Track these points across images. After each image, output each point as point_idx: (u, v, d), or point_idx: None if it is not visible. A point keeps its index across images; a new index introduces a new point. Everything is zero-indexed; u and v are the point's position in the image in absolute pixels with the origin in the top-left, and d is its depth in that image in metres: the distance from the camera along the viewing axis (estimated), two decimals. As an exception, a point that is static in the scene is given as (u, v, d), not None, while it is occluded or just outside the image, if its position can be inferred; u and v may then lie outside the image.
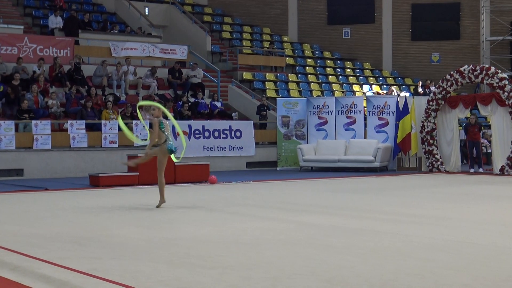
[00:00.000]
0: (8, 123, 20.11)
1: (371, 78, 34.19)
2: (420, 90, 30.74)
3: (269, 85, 30.25)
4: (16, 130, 20.43)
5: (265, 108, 26.07)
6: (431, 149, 22.77)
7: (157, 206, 12.84)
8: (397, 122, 23.23)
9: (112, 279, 6.56)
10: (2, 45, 23.74)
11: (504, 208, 12.66)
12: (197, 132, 23.19)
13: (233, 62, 31.25)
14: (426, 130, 22.82)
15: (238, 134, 24.02)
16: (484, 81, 21.87)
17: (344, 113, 24.28)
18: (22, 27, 26.52)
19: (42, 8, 29.76)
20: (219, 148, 23.64)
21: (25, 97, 21.46)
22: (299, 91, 30.66)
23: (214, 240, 8.89)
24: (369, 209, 12.29)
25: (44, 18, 28.30)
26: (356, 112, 24.16)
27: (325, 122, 24.36)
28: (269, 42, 34.53)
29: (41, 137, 20.40)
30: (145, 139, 13.03)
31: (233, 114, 25.56)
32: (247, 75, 30.27)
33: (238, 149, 24.03)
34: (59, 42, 25.01)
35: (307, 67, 33.52)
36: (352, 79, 33.62)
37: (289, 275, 6.74)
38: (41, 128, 20.43)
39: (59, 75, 23.72)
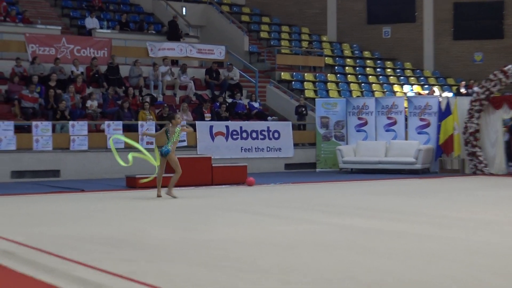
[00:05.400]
0: (45, 124, 20.28)
1: (412, 78, 33.90)
2: (462, 90, 30.41)
3: (307, 85, 30.15)
4: (53, 131, 20.59)
5: (303, 108, 25.93)
6: (474, 150, 22.48)
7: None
8: (439, 123, 22.98)
9: (149, 282, 6.53)
10: (40, 46, 23.98)
11: (551, 211, 12.43)
12: (234, 133, 23.17)
13: (271, 62, 31.21)
14: (469, 131, 22.52)
15: (276, 135, 23.95)
16: (529, 80, 21.54)
17: (384, 113, 24.08)
18: (60, 27, 26.77)
19: (79, 9, 30.02)
20: (257, 150, 23.59)
21: (62, 97, 21.63)
22: (338, 92, 30.51)
23: (252, 242, 8.83)
24: (411, 212, 12.14)
25: (82, 19, 28.55)
26: (397, 112, 23.95)
27: (365, 123, 24.19)
28: (307, 42, 34.40)
29: (78, 138, 20.55)
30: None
31: (270, 117, 25.39)
32: (285, 75, 30.21)
33: (276, 150, 23.97)
34: (97, 43, 25.20)
35: (347, 67, 33.35)
36: (392, 79, 33.37)
37: (328, 279, 6.65)
38: (78, 129, 20.58)
39: (96, 75, 23.89)
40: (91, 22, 27.36)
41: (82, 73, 23.69)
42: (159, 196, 14.98)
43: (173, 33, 27.70)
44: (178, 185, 17.53)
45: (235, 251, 8.19)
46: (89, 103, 22.17)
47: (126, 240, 9.06)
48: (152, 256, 7.92)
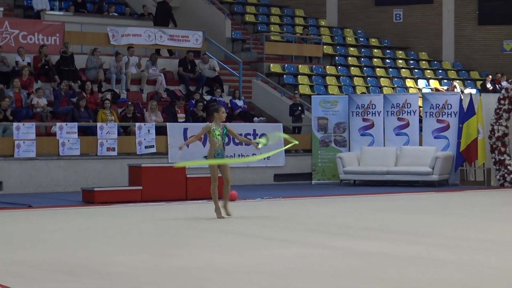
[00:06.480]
0: (-17, 126, 20.25)
1: (428, 71, 34.06)
2: (488, 85, 30.61)
3: (302, 79, 30.22)
4: (-6, 134, 20.58)
5: (299, 108, 25.85)
6: (502, 158, 22.63)
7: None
8: (460, 126, 23.09)
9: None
10: (-24, 31, 23.97)
11: None
12: (214, 137, 23.16)
13: (258, 51, 31.25)
14: (496, 135, 22.67)
15: (264, 139, 23.98)
16: None
17: (394, 114, 24.18)
18: (1, 9, 26.70)
19: (25, -14, 29.96)
20: (240, 157, 23.62)
21: (5, 94, 21.57)
22: (339, 87, 30.60)
23: (236, 270, 8.89)
24: (426, 233, 12.23)
25: (28, -2, 28.51)
26: (410, 113, 24.05)
27: (371, 125, 24.28)
28: (302, 27, 34.49)
29: (23, 142, 20.50)
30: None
31: (256, 118, 25.40)
32: (275, 68, 30.26)
33: (264, 158, 23.99)
34: (47, 27, 25.13)
35: (349, 58, 33.44)
36: (404, 72, 33.51)
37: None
38: (24, 131, 20.52)
39: (46, 67, 23.85)
40: (39, 2, 27.30)
41: (28, 64, 23.62)
42: (221, 217, 14.30)
43: (163, 17, 27.49)
44: (145, 200, 17.59)
45: (216, 281, 8.25)
46: (35, 100, 22.13)
47: (85, 267, 9.09)
48: (117, 286, 7.98)
